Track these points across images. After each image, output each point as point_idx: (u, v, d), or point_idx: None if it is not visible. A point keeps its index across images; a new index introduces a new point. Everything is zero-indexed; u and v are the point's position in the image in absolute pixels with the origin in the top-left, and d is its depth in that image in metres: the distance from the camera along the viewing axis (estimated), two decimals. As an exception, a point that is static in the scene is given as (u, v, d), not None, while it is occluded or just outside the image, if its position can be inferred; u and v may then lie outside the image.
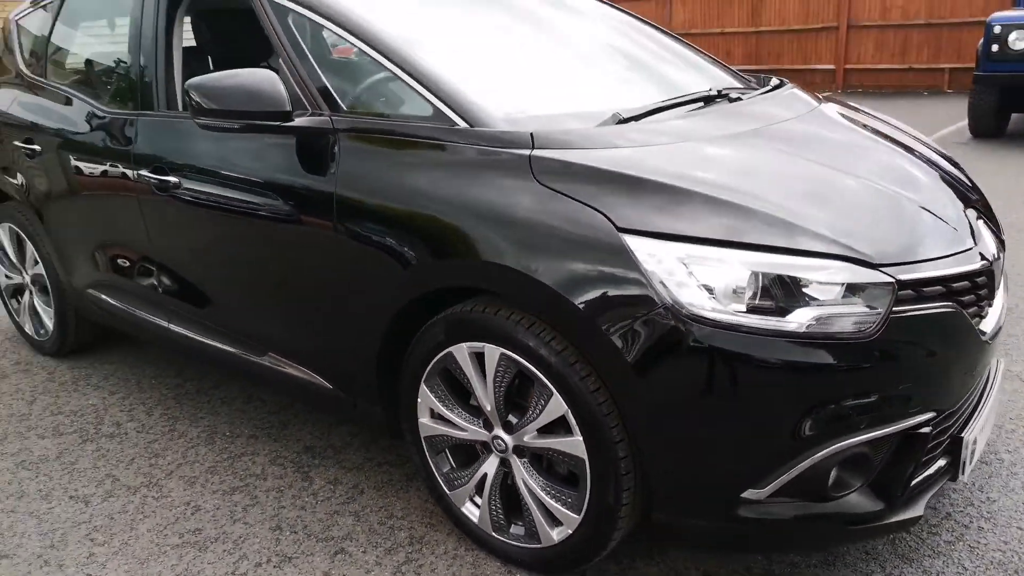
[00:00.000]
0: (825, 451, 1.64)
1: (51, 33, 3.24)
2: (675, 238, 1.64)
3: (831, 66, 12.82)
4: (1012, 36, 7.21)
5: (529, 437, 1.91)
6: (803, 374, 1.61)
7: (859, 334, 1.62)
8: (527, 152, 1.83)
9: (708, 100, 2.31)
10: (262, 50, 3.04)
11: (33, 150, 3.16)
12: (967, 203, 2.03)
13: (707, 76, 2.70)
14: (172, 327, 2.81)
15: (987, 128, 7.71)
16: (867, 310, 1.64)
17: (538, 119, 1.97)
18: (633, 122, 2.00)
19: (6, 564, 2.23)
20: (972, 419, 1.94)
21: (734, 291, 1.61)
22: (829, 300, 1.63)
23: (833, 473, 1.69)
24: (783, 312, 1.61)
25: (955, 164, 2.36)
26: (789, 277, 1.62)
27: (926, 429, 1.74)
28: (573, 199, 1.74)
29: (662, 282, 1.62)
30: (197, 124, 2.21)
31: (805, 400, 1.61)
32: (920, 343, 1.70)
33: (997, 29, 7.26)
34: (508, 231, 1.79)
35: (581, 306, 1.68)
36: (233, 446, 2.78)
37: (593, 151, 1.82)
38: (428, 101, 2.00)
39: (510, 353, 1.85)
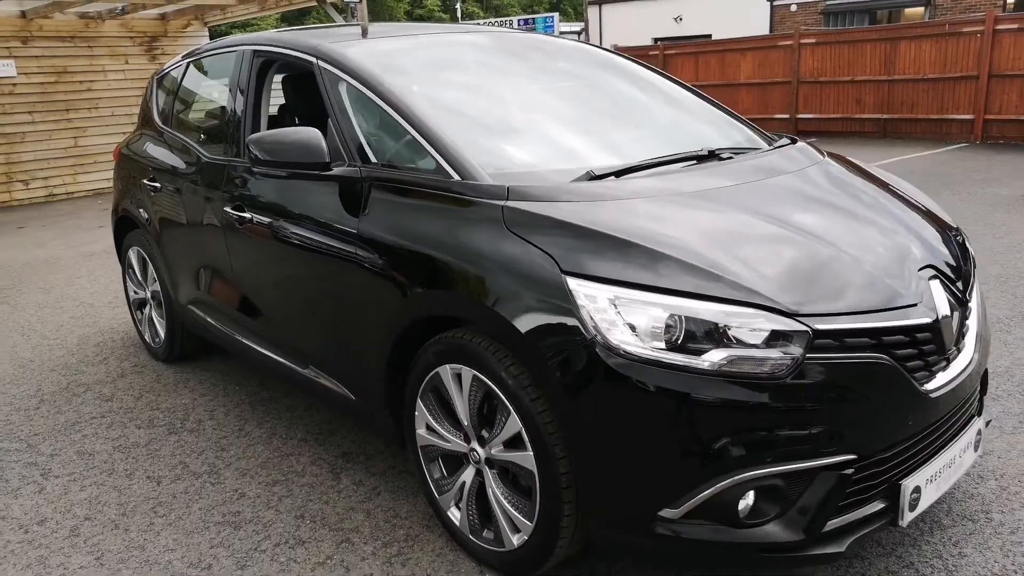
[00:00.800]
0: (731, 480, 1.80)
1: (178, 89, 3.88)
2: (608, 281, 1.88)
3: (969, 116, 12.22)
4: None
5: (496, 450, 2.17)
6: (712, 408, 1.79)
7: (770, 375, 1.79)
8: (501, 203, 2.13)
9: (701, 159, 2.52)
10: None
11: (155, 187, 3.78)
12: (928, 264, 2.13)
13: (719, 133, 2.90)
14: (243, 340, 3.29)
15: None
16: (781, 354, 1.80)
17: (517, 175, 2.27)
18: (604, 179, 2.25)
19: (88, 524, 2.72)
20: (918, 469, 2.02)
21: (654, 330, 1.83)
22: (749, 343, 1.81)
23: (748, 501, 1.85)
24: (699, 352, 1.81)
25: (944, 226, 2.43)
26: (704, 321, 1.81)
27: (847, 470, 1.86)
28: (532, 244, 2.01)
29: (593, 318, 1.86)
30: (255, 172, 2.66)
31: (713, 431, 1.79)
32: (837, 389, 1.84)
33: None
34: (480, 269, 2.08)
35: (529, 336, 1.94)
36: (285, 446, 3.20)
37: (555, 204, 2.09)
38: (432, 157, 2.34)
39: (480, 375, 2.13)
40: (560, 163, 2.41)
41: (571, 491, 1.99)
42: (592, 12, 30.63)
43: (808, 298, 1.87)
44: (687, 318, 1.82)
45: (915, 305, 1.99)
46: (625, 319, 1.85)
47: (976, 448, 2.27)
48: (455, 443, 2.32)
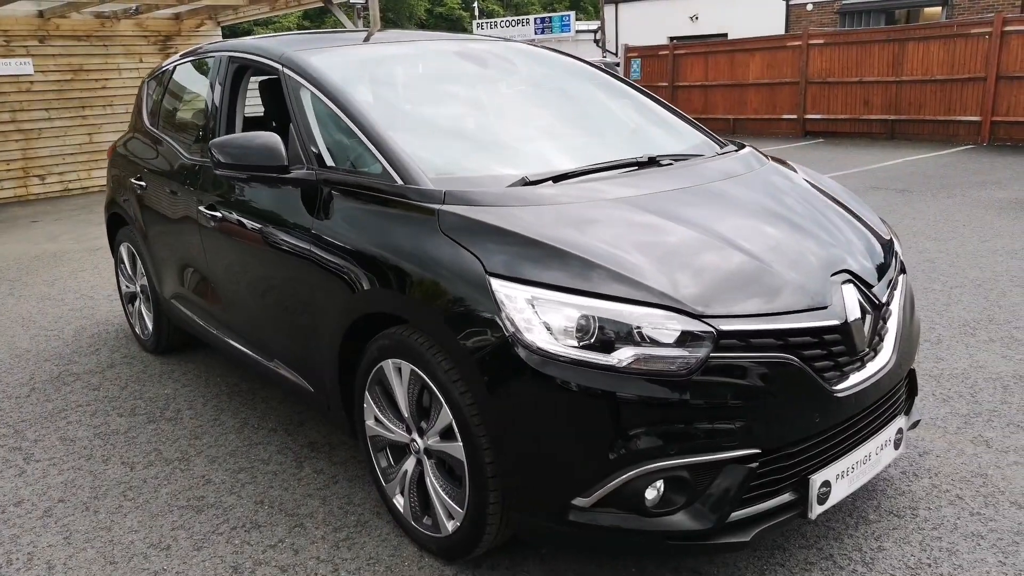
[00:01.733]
0: (637, 470, 1.91)
1: (165, 91, 4.03)
2: (526, 282, 1.99)
3: (977, 118, 12.16)
4: None
5: (432, 441, 2.29)
6: (621, 403, 1.89)
7: (676, 373, 1.89)
8: (437, 206, 2.25)
9: (641, 165, 2.62)
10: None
11: (142, 185, 3.94)
12: (844, 269, 2.21)
13: (669, 139, 2.99)
14: (217, 334, 3.43)
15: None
16: (687, 353, 1.91)
17: (455, 180, 2.38)
18: (541, 184, 2.36)
19: (61, 506, 2.87)
20: (829, 464, 2.11)
21: (567, 329, 1.94)
22: (657, 341, 1.92)
23: (655, 491, 1.95)
24: (608, 349, 1.92)
25: (874, 234, 2.51)
26: (614, 321, 1.92)
27: (752, 464, 1.96)
28: (461, 246, 2.13)
29: (510, 318, 1.97)
30: (216, 173, 2.79)
31: (620, 424, 1.90)
32: (742, 387, 1.93)
33: None
34: (416, 269, 2.20)
35: (456, 333, 2.06)
36: (256, 435, 3.34)
37: (487, 208, 2.21)
38: (379, 161, 2.46)
39: (417, 370, 2.25)
40: (500, 169, 2.52)
41: (497, 480, 2.10)
42: (608, 11, 30.61)
43: (716, 300, 1.97)
44: (599, 318, 1.93)
45: (824, 308, 2.08)
46: (541, 318, 1.95)
47: (897, 446, 2.36)
48: (398, 434, 2.44)
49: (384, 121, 2.58)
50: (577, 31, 32.45)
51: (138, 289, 4.39)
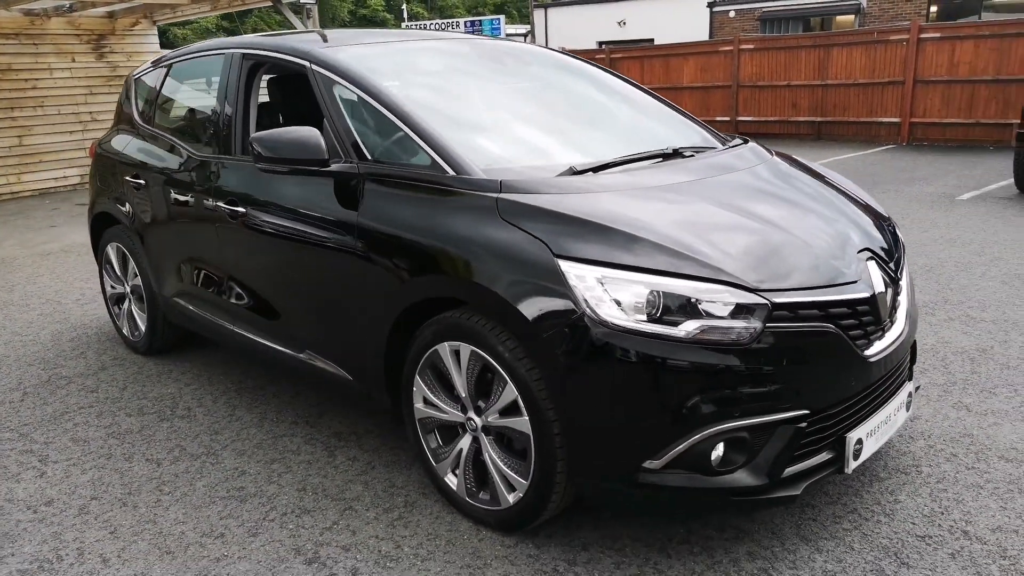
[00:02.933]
0: (704, 433, 2.09)
1: (160, 89, 4.01)
2: (594, 263, 2.15)
3: (896, 119, 12.94)
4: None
5: (492, 418, 2.41)
6: (687, 371, 2.07)
7: (736, 342, 2.08)
8: (495, 195, 2.37)
9: (666, 156, 2.81)
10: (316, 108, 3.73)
11: (139, 183, 3.91)
12: (865, 248, 2.45)
13: (679, 134, 3.19)
14: (233, 329, 3.45)
15: (1031, 186, 7.81)
16: (745, 324, 2.09)
17: (508, 170, 2.51)
18: (585, 174, 2.52)
19: (95, 504, 2.86)
20: (860, 424, 2.34)
21: (637, 305, 2.10)
22: (717, 315, 2.10)
23: (718, 452, 2.14)
24: (675, 323, 2.09)
25: (878, 216, 2.77)
26: (679, 296, 2.09)
27: (802, 424, 2.17)
28: (524, 231, 2.26)
29: (584, 296, 2.12)
30: (258, 167, 2.83)
31: (688, 391, 2.07)
32: (792, 353, 2.14)
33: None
34: (477, 255, 2.32)
35: (526, 313, 2.19)
36: (278, 428, 3.38)
37: (543, 195, 2.35)
38: (427, 153, 2.57)
39: (478, 350, 2.37)
40: (541, 160, 2.67)
41: (564, 450, 2.25)
42: (538, 15, 31.05)
43: (766, 276, 2.17)
44: (665, 293, 2.10)
45: (855, 282, 2.31)
46: (611, 296, 2.11)
47: (907, 408, 2.61)
48: (452, 414, 2.55)
49: (426, 115, 2.69)
50: (507, 35, 32.72)
51: (128, 290, 4.33)
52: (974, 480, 2.72)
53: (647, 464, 2.13)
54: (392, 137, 2.74)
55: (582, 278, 2.14)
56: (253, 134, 2.75)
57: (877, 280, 2.38)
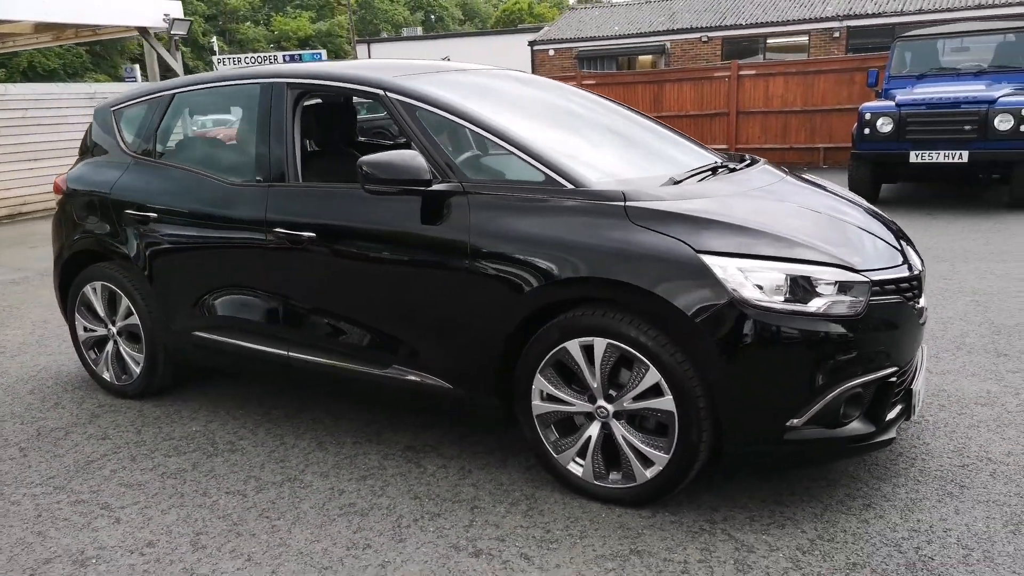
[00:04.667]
0: (836, 391, 2.52)
1: (161, 120, 3.88)
2: (733, 255, 2.53)
3: (724, 146, 14.51)
4: (879, 122, 8.79)
5: (627, 403, 2.70)
6: (821, 340, 2.49)
7: (853, 315, 2.53)
8: (622, 203, 2.69)
9: (714, 170, 3.25)
10: (342, 131, 3.85)
11: (146, 216, 3.76)
12: (896, 235, 3.03)
13: (698, 152, 3.67)
14: (292, 354, 3.44)
15: (864, 196, 9.21)
16: (856, 299, 2.56)
17: (622, 181, 2.84)
18: (682, 183, 2.90)
19: (204, 537, 2.78)
20: (915, 377, 2.88)
21: (776, 287, 2.50)
22: (835, 293, 2.54)
23: (842, 407, 2.57)
24: (805, 301, 2.51)
25: (877, 211, 3.38)
26: (807, 278, 2.52)
27: (894, 379, 2.66)
28: (659, 233, 2.60)
29: (729, 285, 2.48)
30: (366, 190, 2.93)
31: (823, 356, 2.50)
32: (885, 321, 2.63)
33: (868, 116, 8.84)
34: (616, 256, 2.62)
35: (678, 303, 2.52)
36: (343, 450, 3.41)
37: (665, 201, 2.70)
38: (540, 170, 2.83)
39: (615, 343, 2.65)
40: (634, 172, 3.02)
41: (708, 423, 2.58)
42: (361, 49, 31.15)
43: (859, 260, 2.65)
44: (794, 277, 2.52)
45: (905, 263, 2.86)
46: (752, 282, 2.50)
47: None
48: (580, 404, 2.80)
49: (527, 135, 2.95)
50: (329, 70, 32.51)
51: (115, 331, 4.09)
52: (969, 422, 3.37)
53: (791, 423, 2.53)
54: (490, 156, 2.96)
55: (724, 269, 2.51)
56: (363, 158, 2.86)
57: (915, 261, 2.95)
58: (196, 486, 3.16)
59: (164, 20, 9.99)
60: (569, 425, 2.89)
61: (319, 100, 3.68)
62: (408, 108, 3.10)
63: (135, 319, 3.97)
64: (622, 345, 2.64)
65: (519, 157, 2.89)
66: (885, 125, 8.79)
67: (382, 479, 3.13)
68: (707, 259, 2.52)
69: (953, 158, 8.46)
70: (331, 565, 2.57)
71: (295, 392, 4.07)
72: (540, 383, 2.85)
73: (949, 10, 22.33)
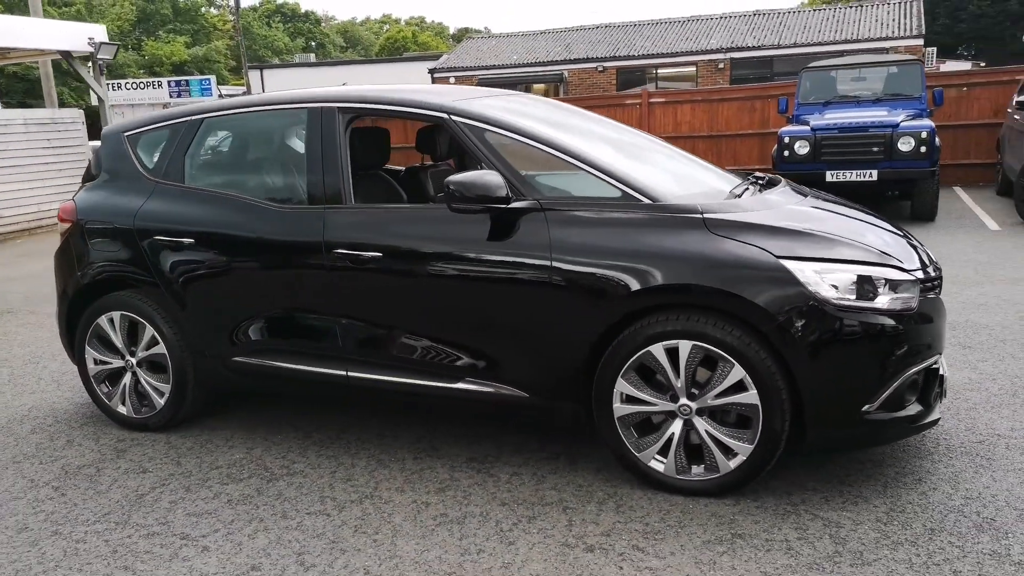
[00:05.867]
0: (903, 376, 2.85)
1: (190, 144, 3.82)
2: (809, 259, 2.82)
3: (638, 169, 15.22)
4: (797, 144, 9.54)
5: (711, 400, 2.93)
6: (889, 332, 2.82)
7: (910, 309, 2.87)
8: (700, 215, 2.93)
9: (759, 186, 3.56)
10: (381, 154, 3.96)
11: (179, 243, 3.69)
12: (907, 239, 3.43)
13: (716, 171, 3.98)
14: (351, 374, 3.47)
15: (785, 213, 9.95)
16: (911, 295, 2.90)
17: (690, 196, 3.10)
18: (742, 197, 3.18)
19: (309, 557, 2.78)
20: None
21: (849, 287, 2.80)
22: (895, 290, 2.87)
23: (905, 392, 2.90)
24: (873, 298, 2.82)
25: (886, 220, 3.79)
26: (873, 278, 2.84)
27: (936, 365, 3.02)
28: (739, 241, 2.86)
29: (809, 286, 2.77)
30: (452, 208, 3.04)
31: (890, 347, 2.82)
32: (929, 314, 2.99)
33: (787, 139, 9.58)
34: (699, 265, 2.85)
35: (763, 304, 2.77)
36: (407, 466, 3.46)
37: (733, 213, 2.98)
38: (616, 187, 3.04)
39: (701, 344, 2.88)
40: (694, 187, 3.28)
41: (788, 413, 2.84)
42: (254, 75, 30.48)
43: (906, 261, 3.01)
44: (861, 276, 2.83)
45: (931, 264, 3.25)
46: (829, 283, 2.79)
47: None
48: (663, 404, 3.00)
49: (599, 154, 3.16)
50: (221, 95, 31.55)
51: (134, 362, 3.95)
52: (966, 405, 3.81)
53: (866, 408, 2.82)
54: (562, 174, 3.15)
55: (803, 272, 2.79)
56: (450, 178, 2.98)
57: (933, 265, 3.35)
58: (271, 510, 3.14)
59: (89, 44, 9.54)
60: (647, 425, 3.08)
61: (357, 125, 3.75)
62: (476, 131, 3.24)
63: (161, 348, 3.86)
64: (707, 346, 2.87)
65: (594, 175, 3.09)
66: (802, 148, 9.55)
67: (460, 490, 3.21)
68: (788, 264, 2.80)
69: (864, 176, 9.28)
70: (454, 571, 2.64)
71: (327, 414, 4.06)
72: (622, 386, 3.03)
73: (819, 44, 24.31)
